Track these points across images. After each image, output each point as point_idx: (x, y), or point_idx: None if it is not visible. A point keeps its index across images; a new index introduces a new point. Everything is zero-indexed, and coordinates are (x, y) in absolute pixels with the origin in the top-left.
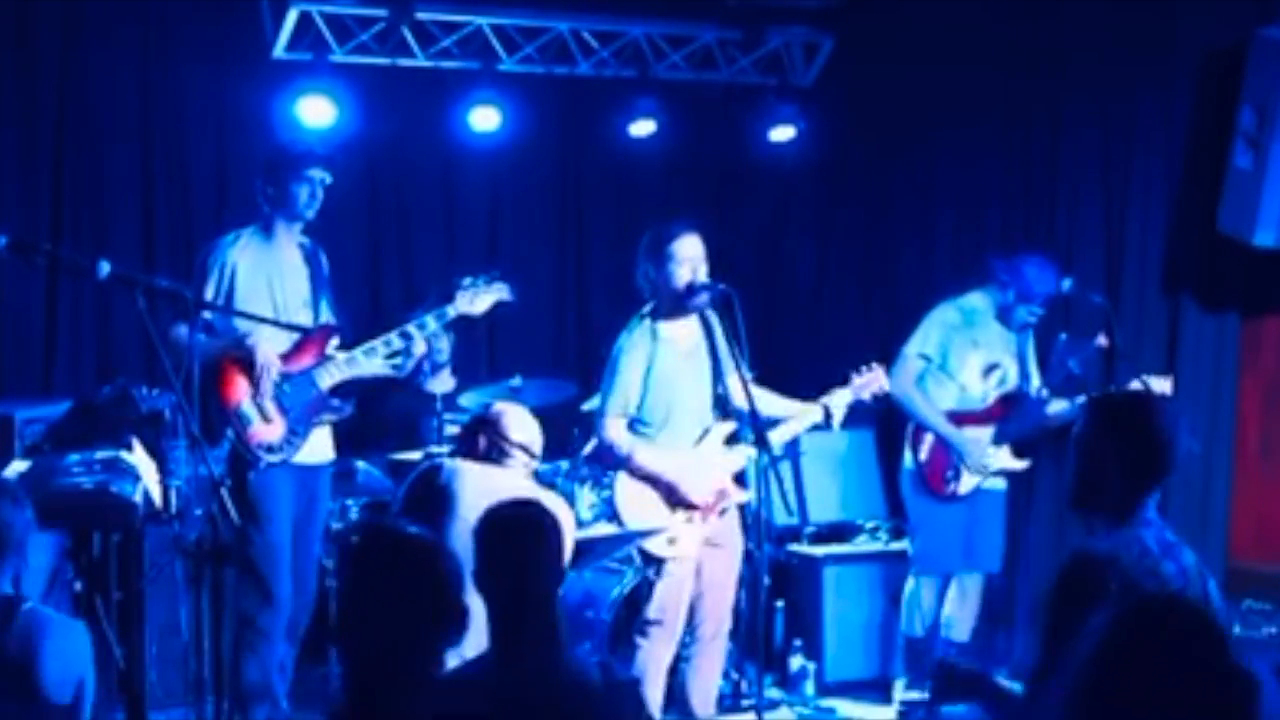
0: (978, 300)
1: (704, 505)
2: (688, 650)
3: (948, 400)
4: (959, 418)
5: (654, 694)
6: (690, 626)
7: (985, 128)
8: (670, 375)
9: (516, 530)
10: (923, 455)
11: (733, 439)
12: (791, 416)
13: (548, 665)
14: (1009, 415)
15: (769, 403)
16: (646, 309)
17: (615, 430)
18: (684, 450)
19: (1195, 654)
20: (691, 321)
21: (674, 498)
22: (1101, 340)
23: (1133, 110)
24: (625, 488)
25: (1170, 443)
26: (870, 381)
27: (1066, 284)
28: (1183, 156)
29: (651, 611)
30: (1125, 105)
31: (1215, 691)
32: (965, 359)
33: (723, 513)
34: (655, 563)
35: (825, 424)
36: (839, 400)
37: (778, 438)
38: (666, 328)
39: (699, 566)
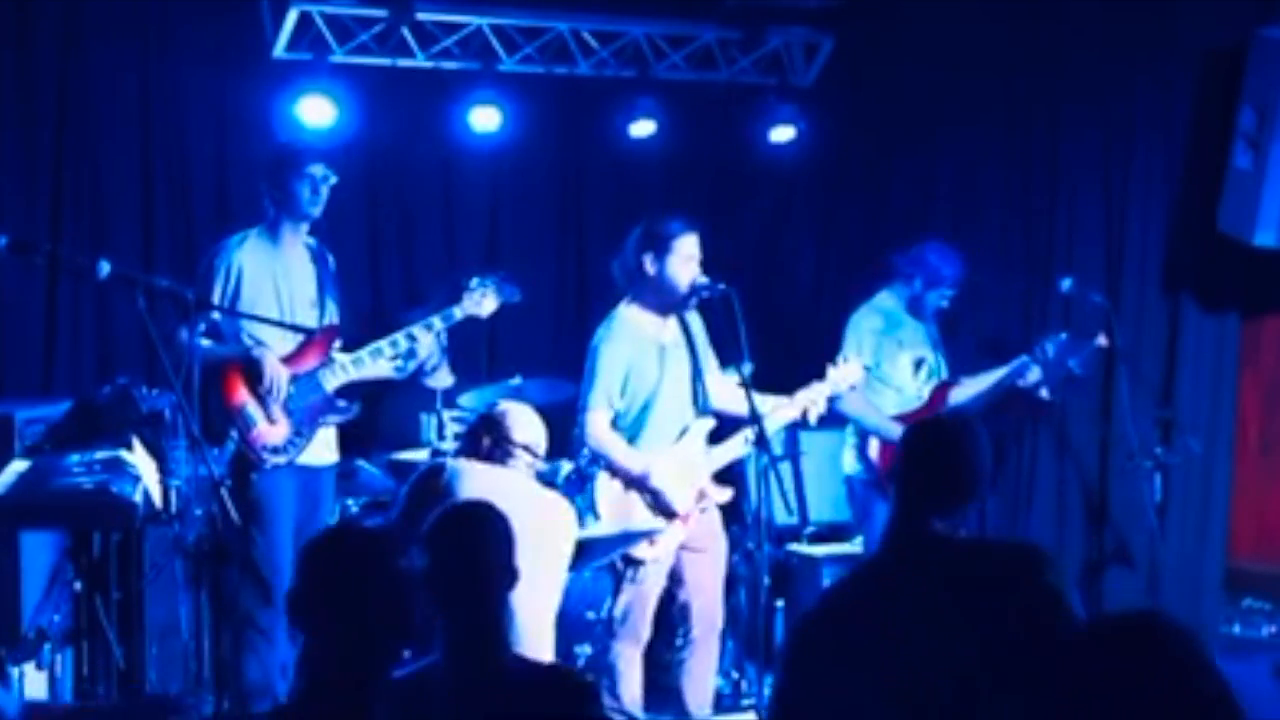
0: (888, 300)
1: (685, 512)
2: (681, 653)
3: (888, 406)
4: (904, 420)
5: (630, 692)
6: (683, 629)
7: (985, 128)
8: (650, 370)
9: (465, 531)
10: (873, 454)
11: (713, 437)
12: (767, 413)
13: (497, 666)
14: (951, 401)
15: (743, 400)
16: (626, 301)
17: (599, 426)
18: (664, 449)
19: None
20: (671, 318)
21: (657, 502)
22: (1101, 340)
23: (1133, 110)
24: (607, 489)
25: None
26: (848, 374)
27: (1066, 284)
28: (1183, 156)
29: (616, 610)
30: (1125, 105)
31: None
32: (896, 361)
33: (702, 512)
34: (633, 565)
35: (803, 421)
36: (817, 394)
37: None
38: (648, 322)
39: (682, 571)
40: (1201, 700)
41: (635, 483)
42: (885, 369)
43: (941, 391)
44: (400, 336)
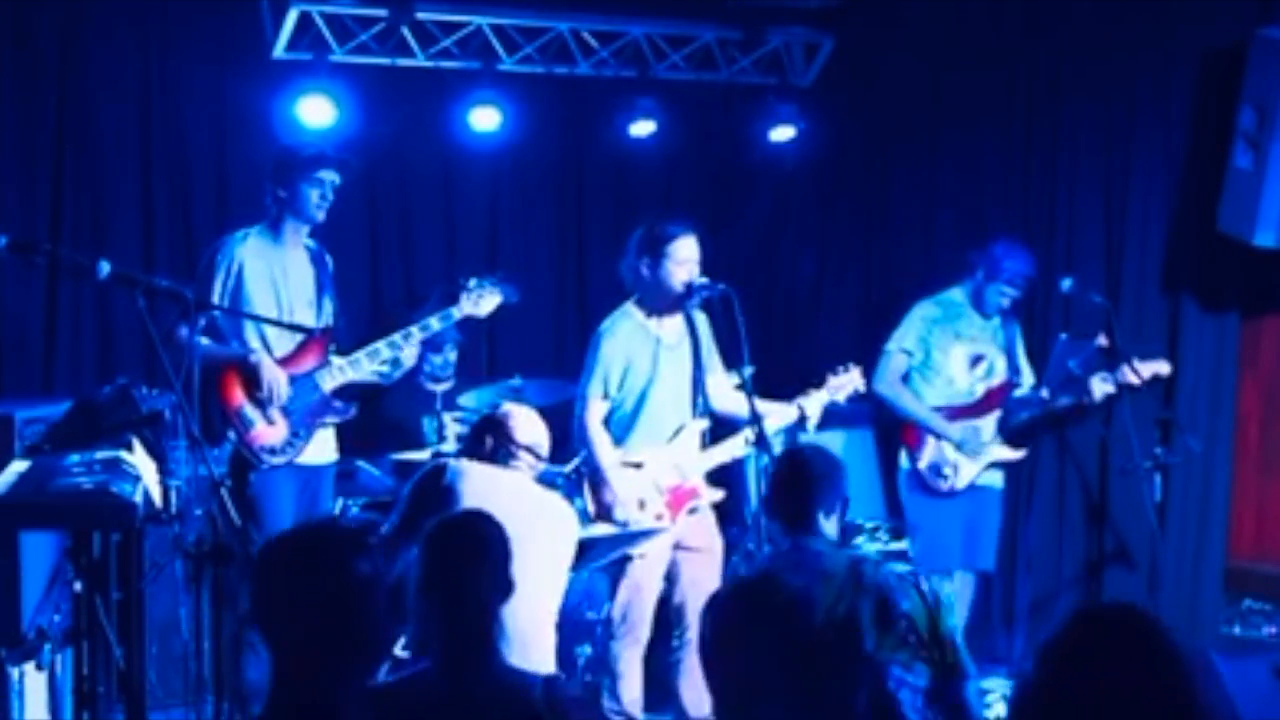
0: (957, 294)
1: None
2: (677, 654)
3: (936, 396)
4: (951, 413)
5: (629, 693)
6: (678, 630)
7: (985, 128)
8: (649, 367)
9: (459, 541)
10: (921, 464)
11: (711, 439)
12: (764, 416)
13: (486, 678)
14: (1005, 406)
15: (743, 403)
16: (633, 299)
17: (591, 417)
18: (657, 447)
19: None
20: (677, 317)
21: (603, 506)
22: (1101, 340)
23: (1133, 110)
24: (588, 491)
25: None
26: (846, 383)
27: (1066, 284)
28: (1183, 156)
29: (615, 611)
30: (1125, 105)
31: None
32: (949, 352)
33: (693, 512)
34: (619, 562)
35: (800, 425)
36: (814, 401)
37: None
38: (652, 321)
39: (677, 570)
40: (1175, 691)
41: (597, 478)
42: (936, 358)
43: (998, 392)
44: (398, 337)
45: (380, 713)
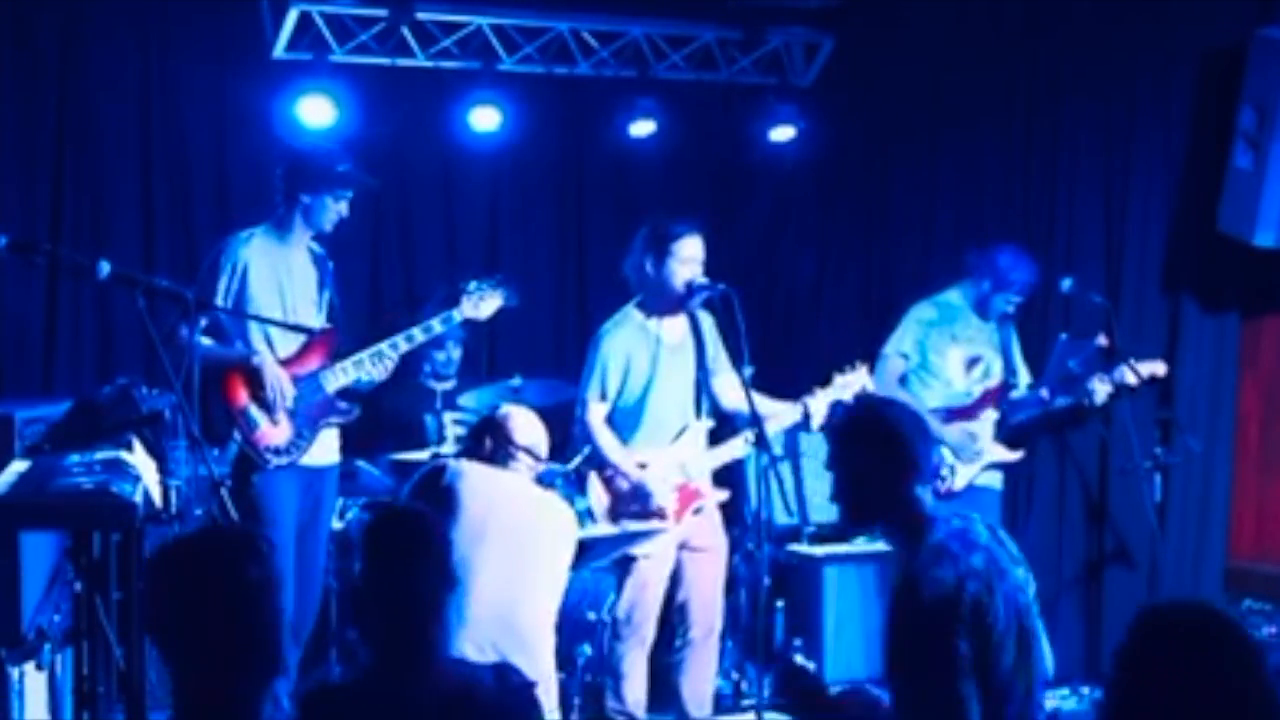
0: (954, 296)
1: (670, 511)
2: (679, 653)
3: (934, 399)
4: (948, 414)
5: (633, 693)
6: (681, 629)
7: (985, 128)
8: (651, 367)
9: (396, 538)
10: None
11: (714, 438)
12: (770, 416)
13: (433, 674)
14: (1002, 406)
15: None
16: (634, 301)
17: (594, 417)
18: (660, 447)
19: (1219, 659)
20: (679, 317)
21: (643, 502)
22: (1101, 340)
23: (1133, 110)
24: (597, 489)
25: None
26: (854, 381)
27: (1066, 284)
28: (1183, 156)
29: (620, 611)
30: (1125, 105)
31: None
32: (946, 354)
33: (697, 512)
34: (624, 562)
35: (804, 424)
36: (819, 400)
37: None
38: (654, 321)
39: (682, 570)
40: (1251, 700)
41: (621, 477)
42: (933, 361)
43: (994, 393)
44: (400, 338)
45: (326, 714)
